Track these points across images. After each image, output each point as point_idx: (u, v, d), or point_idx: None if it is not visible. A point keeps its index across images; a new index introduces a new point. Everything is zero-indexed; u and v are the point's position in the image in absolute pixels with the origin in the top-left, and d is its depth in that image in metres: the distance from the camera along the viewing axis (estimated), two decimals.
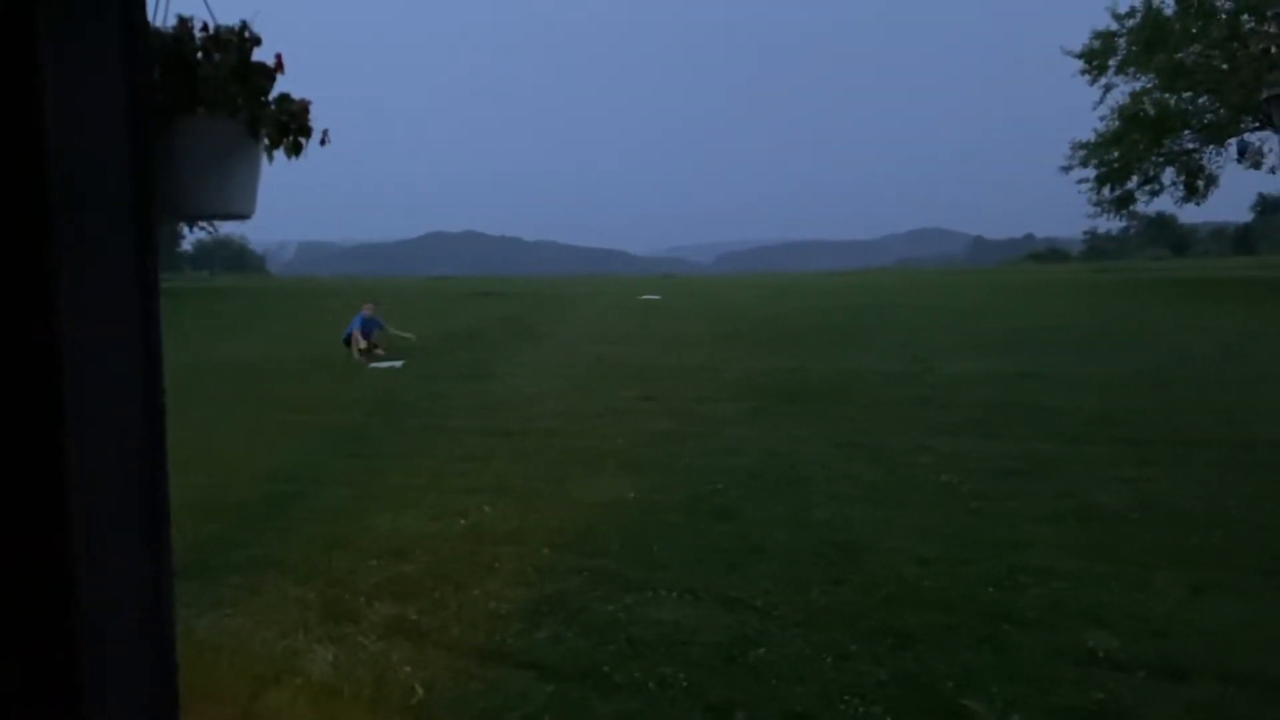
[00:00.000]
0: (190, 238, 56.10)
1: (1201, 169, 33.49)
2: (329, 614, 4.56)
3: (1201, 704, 3.56)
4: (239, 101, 1.66)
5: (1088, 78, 32.43)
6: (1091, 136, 33.29)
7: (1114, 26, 31.67)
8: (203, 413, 9.66)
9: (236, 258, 77.46)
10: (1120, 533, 5.59)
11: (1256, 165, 29.07)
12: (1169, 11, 30.30)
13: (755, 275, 52.48)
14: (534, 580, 4.97)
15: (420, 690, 3.78)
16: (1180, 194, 34.02)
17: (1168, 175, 33.98)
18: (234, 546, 5.59)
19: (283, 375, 13.62)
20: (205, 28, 1.65)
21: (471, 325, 19.81)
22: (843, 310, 20.95)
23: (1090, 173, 33.83)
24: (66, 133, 0.86)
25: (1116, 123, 32.33)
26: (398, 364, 14.09)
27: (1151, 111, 31.49)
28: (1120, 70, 31.97)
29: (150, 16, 1.45)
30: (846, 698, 3.64)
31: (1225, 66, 28.17)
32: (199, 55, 1.62)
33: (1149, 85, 31.63)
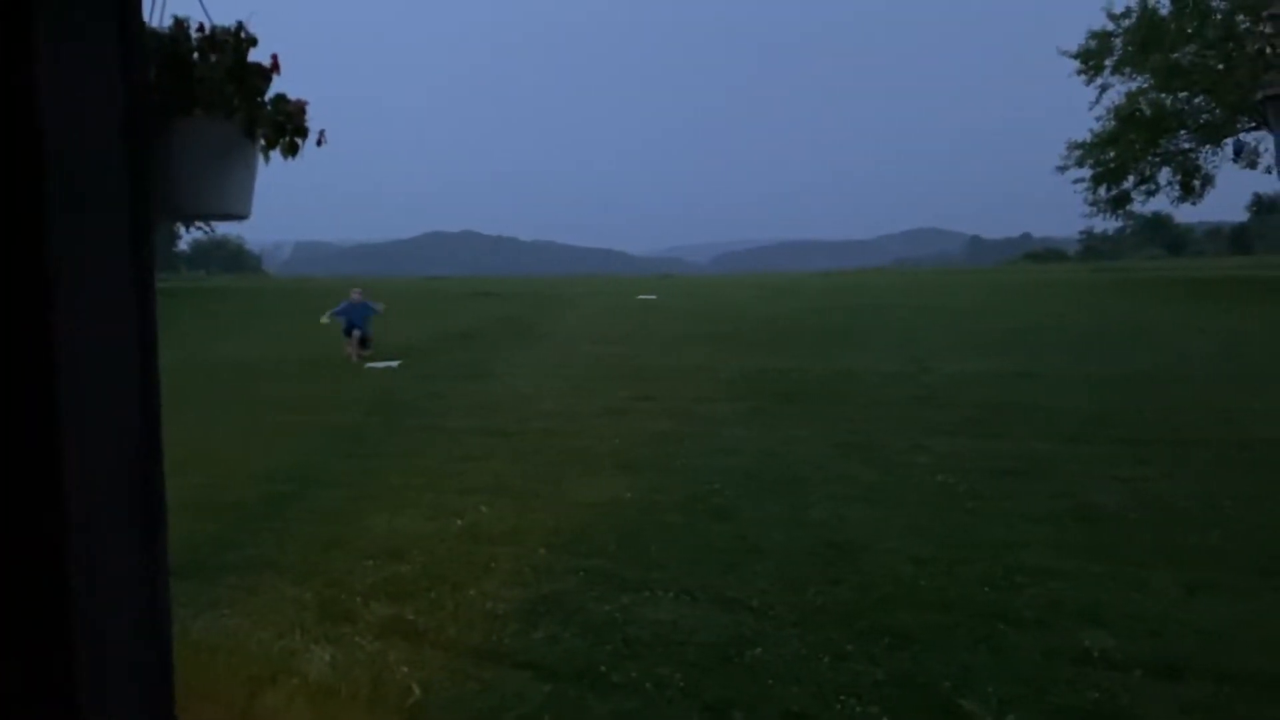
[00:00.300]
0: (187, 238, 56.04)
1: (1197, 169, 33.56)
2: (326, 614, 4.55)
3: (1197, 703, 3.57)
4: (235, 102, 1.66)
5: (1084, 78, 32.49)
6: (1087, 136, 33.35)
7: (1110, 27, 31.73)
8: (200, 413, 9.65)
9: (233, 258, 77.38)
10: (1117, 532, 5.59)
11: (1252, 165, 29.12)
12: (1164, 12, 30.36)
13: (752, 275, 52.49)
14: (531, 580, 4.97)
15: (417, 690, 3.78)
16: (1176, 194, 34.09)
17: (1164, 175, 34.05)
18: (231, 547, 5.59)
19: (279, 375, 13.61)
20: (201, 28, 1.65)
21: (469, 325, 19.80)
22: (840, 310, 20.95)
23: (1086, 173, 33.89)
24: (64, 133, 0.86)
25: (1112, 123, 32.38)
26: (394, 364, 14.08)
27: (1147, 111, 31.54)
28: (1116, 70, 32.03)
29: (146, 17, 1.45)
30: (843, 698, 3.64)
31: (1221, 67, 28.23)
32: (195, 56, 1.62)
33: (1145, 85, 31.68)
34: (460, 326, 19.50)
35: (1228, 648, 4.00)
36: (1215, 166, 33.33)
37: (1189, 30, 29.54)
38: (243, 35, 1.66)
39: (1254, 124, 28.69)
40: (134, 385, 0.96)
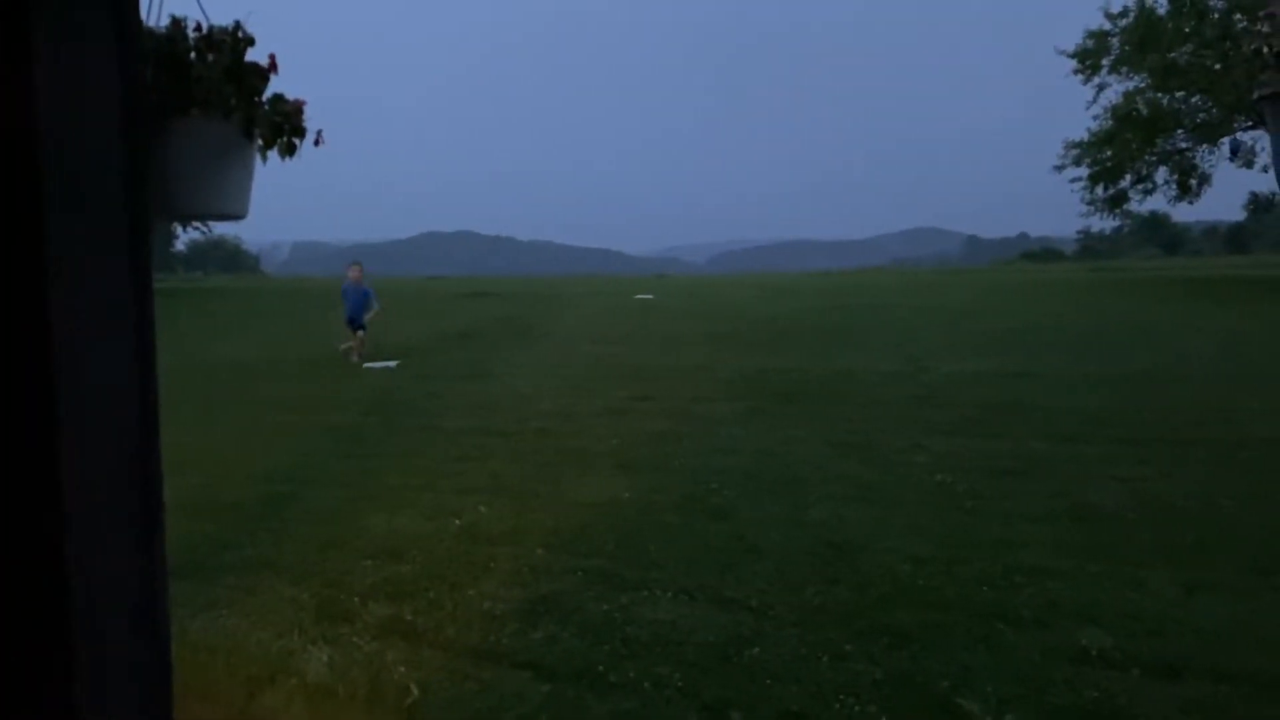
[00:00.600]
0: (184, 238, 56.04)
1: (1194, 168, 33.62)
2: (324, 614, 4.55)
3: (1196, 703, 3.57)
4: (233, 102, 1.66)
5: (1081, 77, 32.54)
6: (1085, 136, 33.41)
7: (1107, 26, 31.78)
8: (198, 413, 9.64)
9: (230, 258, 77.36)
10: (1115, 532, 5.60)
11: (1249, 165, 29.16)
12: (1162, 11, 30.40)
13: (750, 275, 52.52)
14: (529, 580, 4.97)
15: (415, 690, 3.78)
16: (1173, 193, 34.16)
17: (1161, 174, 34.13)
18: (229, 547, 5.59)
19: (277, 375, 13.60)
20: (199, 28, 1.65)
21: (467, 325, 19.79)
22: (838, 310, 20.96)
23: (1084, 172, 33.97)
24: (61, 133, 0.85)
25: (1110, 122, 32.45)
26: (392, 364, 14.07)
27: (1144, 111, 31.60)
28: (1113, 70, 32.10)
29: (144, 17, 1.45)
30: (841, 697, 3.64)
31: (1218, 66, 28.26)
32: (192, 56, 1.62)
33: (1142, 85, 31.73)
34: (458, 326, 19.50)
35: (1226, 647, 4.00)
36: (1212, 166, 33.41)
37: (1186, 30, 29.58)
38: (240, 35, 1.67)
39: (1251, 123, 28.75)
40: (132, 385, 0.96)
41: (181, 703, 1.02)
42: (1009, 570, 4.91)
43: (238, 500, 6.64)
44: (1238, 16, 27.41)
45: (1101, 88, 32.46)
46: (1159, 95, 31.54)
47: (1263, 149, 28.67)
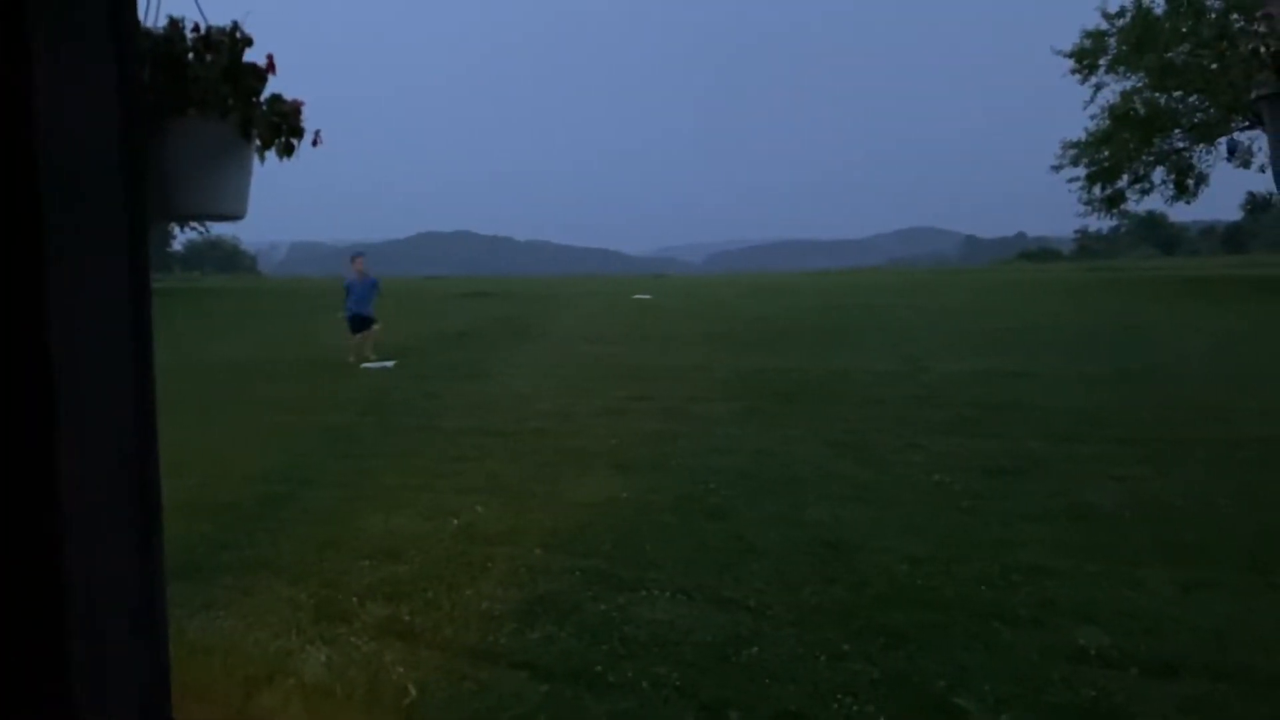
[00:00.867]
0: (181, 238, 55.95)
1: (1191, 168, 33.64)
2: (321, 615, 4.55)
3: (1193, 701, 3.58)
4: (230, 102, 1.66)
5: (1078, 77, 32.55)
6: (1082, 135, 33.43)
7: (1104, 26, 31.80)
8: (195, 413, 9.62)
9: (228, 258, 77.24)
10: (1112, 531, 5.60)
11: (1246, 164, 29.20)
12: (1159, 11, 30.43)
13: (747, 275, 52.52)
14: (527, 580, 4.97)
15: (413, 691, 3.78)
16: (1170, 193, 34.19)
17: (1158, 174, 34.14)
18: (226, 547, 5.58)
19: (275, 375, 13.59)
20: (196, 28, 1.65)
21: (464, 325, 19.78)
22: (835, 310, 20.97)
23: (1081, 172, 33.98)
24: (59, 133, 0.86)
25: (1107, 122, 32.46)
26: (390, 364, 14.06)
27: (1142, 111, 31.63)
28: (1110, 69, 32.11)
29: (141, 17, 1.45)
30: (839, 697, 3.64)
31: (1214, 66, 28.28)
32: (190, 56, 1.62)
33: (1139, 84, 31.76)
34: (456, 326, 19.48)
35: (1223, 645, 4.01)
36: (1209, 166, 33.43)
37: (1183, 30, 29.60)
38: (238, 35, 1.66)
39: (1248, 123, 28.78)
40: (130, 385, 0.96)
41: (180, 703, 1.03)
42: (1006, 570, 4.92)
43: (235, 500, 6.64)
44: (1235, 16, 27.45)
45: (1099, 87, 32.50)
46: (1156, 95, 31.57)
47: (1260, 149, 28.71)
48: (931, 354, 13.52)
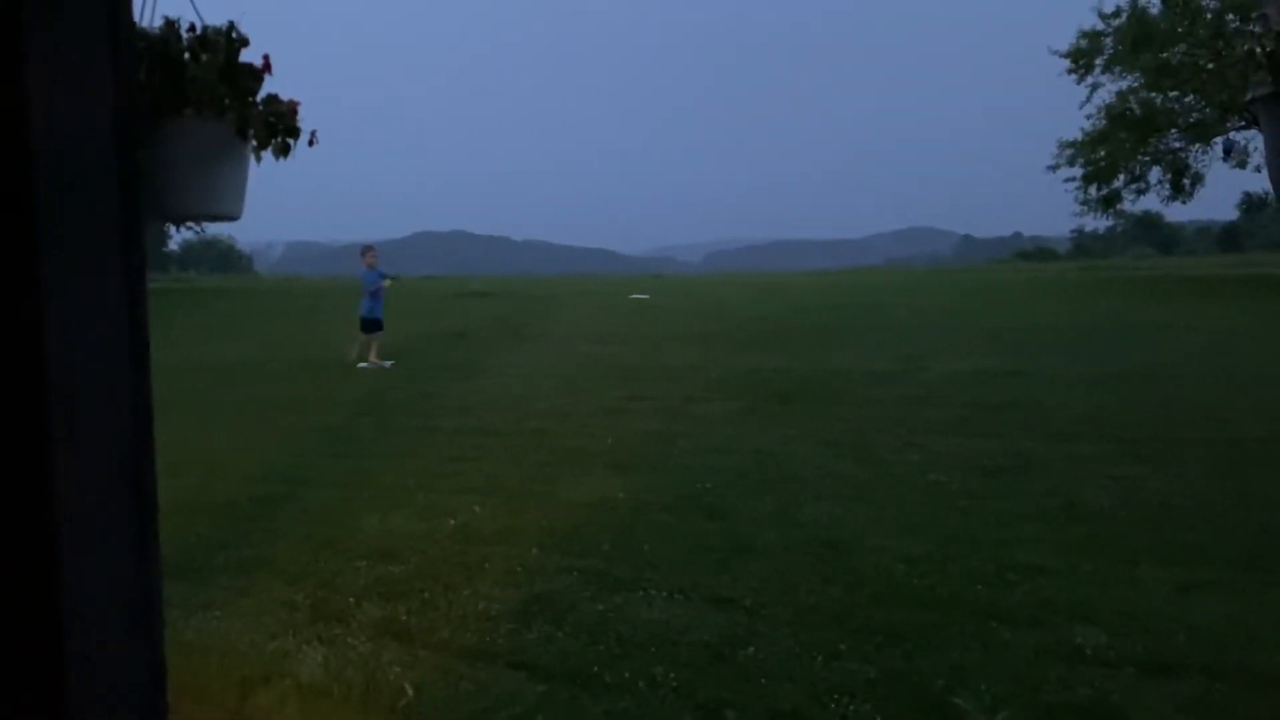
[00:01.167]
0: (177, 238, 55.95)
1: (1187, 168, 33.75)
2: (318, 615, 4.55)
3: (1190, 700, 3.58)
4: (226, 102, 1.66)
5: (1074, 77, 32.62)
6: (1078, 135, 33.48)
7: (1100, 26, 31.86)
8: (191, 414, 9.62)
9: (223, 258, 77.21)
10: (1108, 530, 5.61)
11: (1242, 164, 29.26)
12: (1155, 11, 30.49)
13: (744, 274, 52.55)
14: (524, 580, 4.97)
15: (410, 691, 3.77)
16: (1166, 192, 34.30)
17: (1154, 174, 34.25)
18: (223, 548, 5.58)
19: (271, 376, 13.58)
20: (192, 28, 1.64)
21: (460, 325, 19.77)
22: (831, 309, 20.99)
23: (1077, 171, 34.07)
24: (53, 133, 0.85)
25: (1103, 122, 32.53)
26: (386, 364, 14.05)
27: (1138, 110, 31.70)
28: (1107, 69, 32.17)
29: (137, 17, 1.44)
30: (836, 696, 3.64)
31: (1210, 66, 28.32)
32: (186, 56, 1.62)
33: (1135, 84, 31.82)
34: (452, 326, 19.47)
35: (1219, 644, 4.02)
36: (1205, 165, 33.52)
37: (1179, 30, 29.67)
38: (234, 35, 1.66)
39: (1244, 123, 28.84)
40: (125, 386, 0.96)
41: (177, 703, 1.02)
42: (1003, 569, 4.92)
43: (232, 500, 6.63)
44: (1230, 16, 27.51)
45: (1095, 87, 32.58)
46: (1152, 95, 31.63)
47: (1256, 149, 28.78)
48: (929, 353, 13.53)
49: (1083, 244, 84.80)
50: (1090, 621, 4.24)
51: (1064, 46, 32.60)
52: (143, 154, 1.31)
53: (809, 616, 4.42)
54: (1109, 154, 33.07)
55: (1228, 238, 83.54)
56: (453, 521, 5.97)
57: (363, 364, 14.07)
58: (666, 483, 6.89)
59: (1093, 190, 34.44)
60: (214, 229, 60.86)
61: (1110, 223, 43.66)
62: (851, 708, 3.56)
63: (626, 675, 3.86)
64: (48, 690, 0.87)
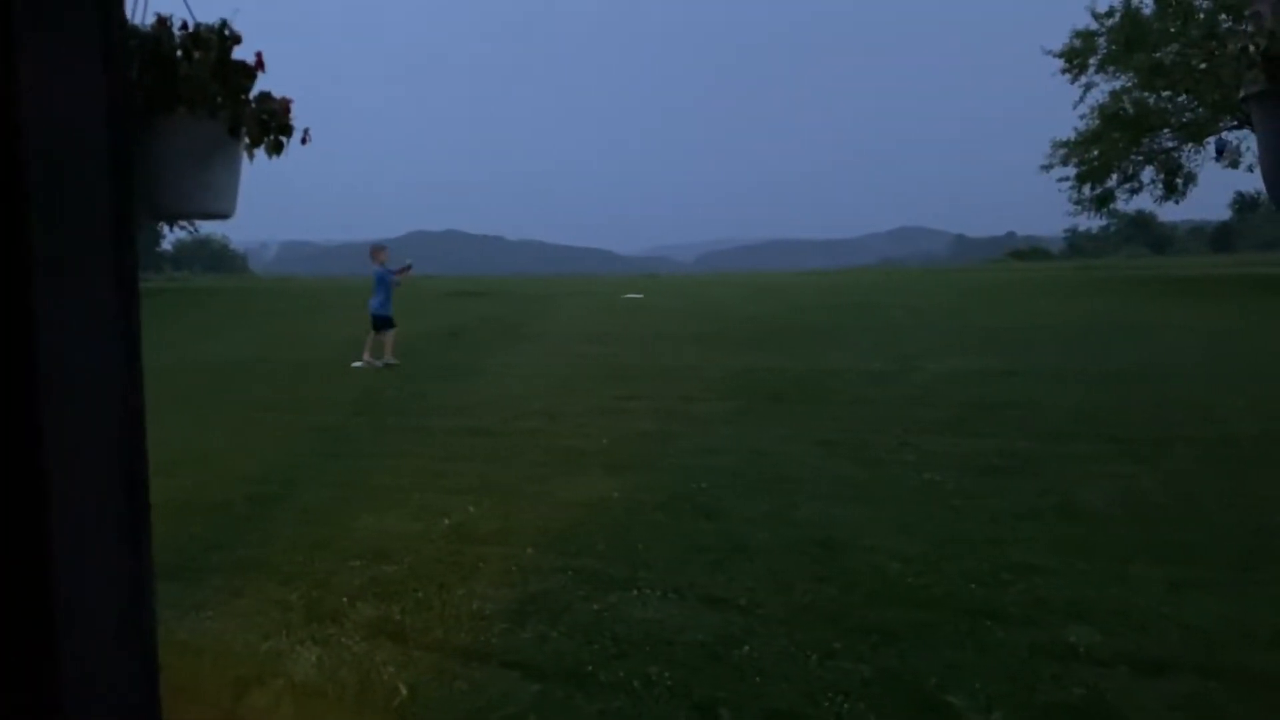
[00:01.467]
0: (171, 237, 55.84)
1: (1180, 167, 33.83)
2: (312, 615, 4.54)
3: (1182, 699, 3.59)
4: (219, 100, 1.65)
5: (1068, 76, 32.68)
6: (1072, 135, 33.56)
7: (1094, 26, 31.93)
8: (184, 414, 9.60)
9: (217, 257, 77.10)
10: (1102, 529, 5.62)
11: (1234, 164, 29.35)
12: (1148, 11, 30.57)
13: (738, 274, 52.60)
14: (518, 580, 4.96)
15: (404, 691, 3.77)
16: (1159, 192, 34.38)
17: (1147, 174, 34.35)
18: (216, 548, 5.57)
19: (265, 376, 13.56)
20: (184, 26, 1.64)
21: (454, 325, 19.74)
22: (826, 309, 21.00)
23: (1071, 171, 34.14)
24: (45, 131, 0.85)
25: (1096, 121, 32.60)
26: (378, 363, 14.03)
27: (1131, 110, 31.77)
28: (1100, 69, 32.24)
29: (129, 14, 1.44)
30: (830, 695, 3.65)
31: (1203, 66, 28.42)
32: (178, 54, 1.61)
33: (1128, 84, 31.90)
34: (446, 326, 19.45)
35: (1212, 643, 4.03)
36: (1198, 165, 33.63)
37: (1172, 30, 29.76)
38: (226, 33, 1.66)
39: (1236, 123, 28.93)
40: (118, 386, 0.95)
41: (170, 704, 1.02)
42: (997, 568, 4.93)
43: (225, 501, 6.62)
44: (1223, 16, 27.60)
45: (1088, 87, 32.64)
46: (1145, 95, 31.71)
47: (1248, 149, 28.87)
48: (924, 353, 13.55)
49: (1076, 243, 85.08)
50: (1084, 620, 4.25)
51: (1057, 46, 32.68)
52: (135, 152, 1.30)
53: (803, 616, 4.42)
54: (1102, 154, 33.14)
55: (1220, 237, 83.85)
56: (447, 521, 5.97)
57: (355, 364, 14.03)
58: (661, 482, 6.89)
59: (1086, 190, 34.52)
60: (207, 228, 60.84)
61: (1103, 222, 43.88)
62: (846, 707, 3.56)
63: (621, 675, 3.86)
64: (41, 690, 0.87)
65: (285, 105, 1.79)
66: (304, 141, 1.85)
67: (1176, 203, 34.57)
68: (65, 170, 0.88)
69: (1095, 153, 33.22)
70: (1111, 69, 32.01)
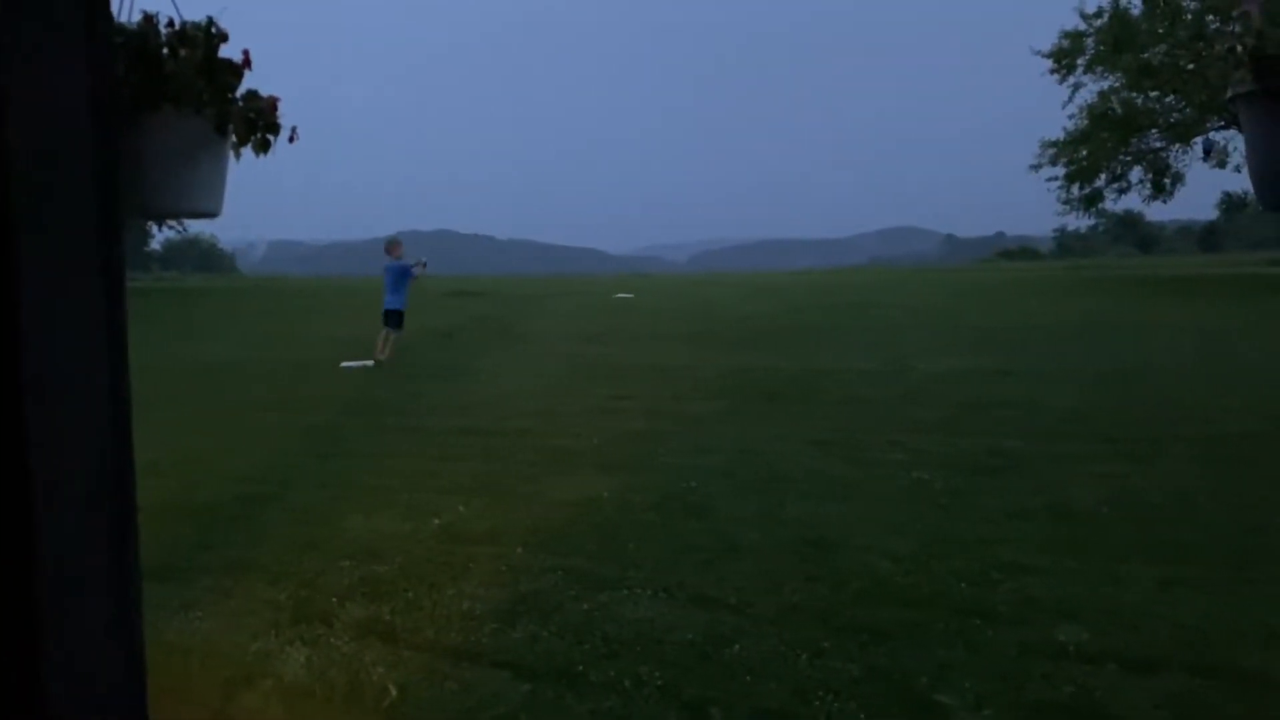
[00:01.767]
0: (159, 237, 55.69)
1: (1168, 167, 34.01)
2: (301, 615, 4.52)
3: (1172, 697, 3.60)
4: (206, 98, 1.64)
5: (1057, 77, 32.82)
6: (1060, 135, 33.69)
7: (1082, 26, 32.07)
8: (173, 414, 9.56)
9: (206, 257, 76.93)
10: (1092, 528, 5.63)
11: (1221, 164, 29.49)
12: (1136, 12, 30.71)
13: (729, 274, 52.68)
14: (508, 580, 4.96)
15: (394, 691, 3.76)
16: (1147, 192, 34.55)
17: (1135, 173, 34.51)
18: (205, 548, 5.54)
19: (254, 376, 13.52)
20: (171, 24, 1.63)
21: (445, 325, 19.72)
22: (817, 309, 21.04)
23: (1059, 171, 34.31)
24: (29, 129, 0.84)
25: (1085, 121, 32.74)
26: (370, 363, 14.00)
27: (1119, 110, 31.92)
28: (1088, 70, 32.39)
29: (114, 12, 1.43)
30: (820, 694, 3.65)
31: (1191, 66, 28.57)
32: (165, 51, 1.60)
33: (1116, 85, 32.05)
34: (437, 325, 19.42)
35: (1202, 641, 4.04)
36: (1185, 165, 33.80)
37: (1160, 30, 29.90)
38: (213, 31, 1.65)
39: (1223, 123, 29.07)
40: (104, 386, 0.95)
41: (158, 705, 1.01)
42: (987, 567, 4.94)
43: (215, 501, 6.60)
44: (1210, 17, 27.73)
45: (1077, 87, 32.80)
46: (1133, 95, 31.85)
47: (1236, 149, 29.01)
48: (915, 353, 13.58)
49: (1065, 243, 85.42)
50: (1074, 619, 4.26)
51: (1046, 47, 32.82)
52: (121, 150, 1.30)
53: (794, 615, 4.43)
54: (1091, 154, 33.30)
55: (1208, 237, 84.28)
56: (438, 521, 5.95)
57: (347, 364, 13.98)
58: (652, 482, 6.88)
59: (1075, 189, 34.67)
60: (196, 227, 60.65)
61: (1092, 222, 44.00)
62: (836, 706, 3.56)
63: (612, 674, 3.85)
64: (26, 692, 0.86)
65: (272, 103, 1.79)
66: (291, 140, 1.84)
67: (1164, 202, 34.79)
68: (50, 169, 0.87)
69: (1084, 153, 33.38)
70: (1100, 69, 32.16)
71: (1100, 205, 36.09)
